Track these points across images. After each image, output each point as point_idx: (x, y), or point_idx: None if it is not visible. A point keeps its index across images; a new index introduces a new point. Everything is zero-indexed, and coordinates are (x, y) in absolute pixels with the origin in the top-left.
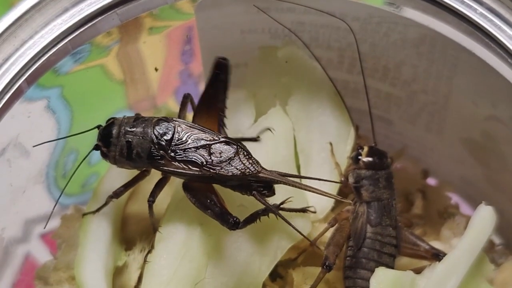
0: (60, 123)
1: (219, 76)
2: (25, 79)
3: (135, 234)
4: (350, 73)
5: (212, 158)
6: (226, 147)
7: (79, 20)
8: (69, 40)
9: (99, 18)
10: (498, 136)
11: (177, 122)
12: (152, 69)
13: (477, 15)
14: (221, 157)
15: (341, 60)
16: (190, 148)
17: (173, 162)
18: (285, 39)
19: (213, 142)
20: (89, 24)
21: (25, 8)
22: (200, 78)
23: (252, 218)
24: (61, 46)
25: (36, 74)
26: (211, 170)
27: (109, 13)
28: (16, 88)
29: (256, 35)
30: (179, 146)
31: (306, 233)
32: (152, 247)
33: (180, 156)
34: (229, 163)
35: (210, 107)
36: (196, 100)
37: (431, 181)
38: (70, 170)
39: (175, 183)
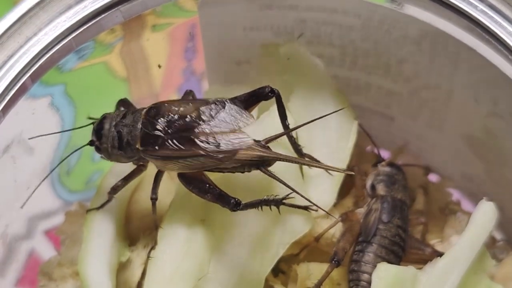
0: (64, 120)
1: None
2: (29, 76)
3: (138, 230)
4: (351, 70)
5: (203, 118)
6: (213, 105)
7: (82, 17)
8: (73, 37)
9: (103, 16)
10: (499, 133)
11: (166, 105)
12: (155, 66)
13: (477, 12)
14: (211, 115)
15: (342, 57)
16: (179, 121)
17: (166, 143)
18: (287, 37)
19: (202, 105)
20: (93, 22)
21: (29, 5)
22: (203, 75)
23: (254, 203)
24: (65, 43)
25: (40, 71)
26: (205, 130)
27: (112, 10)
28: (20, 85)
29: (258, 33)
30: (171, 125)
31: (308, 229)
32: (155, 243)
33: (172, 135)
34: (220, 118)
35: None
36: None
37: (432, 177)
38: (74, 167)
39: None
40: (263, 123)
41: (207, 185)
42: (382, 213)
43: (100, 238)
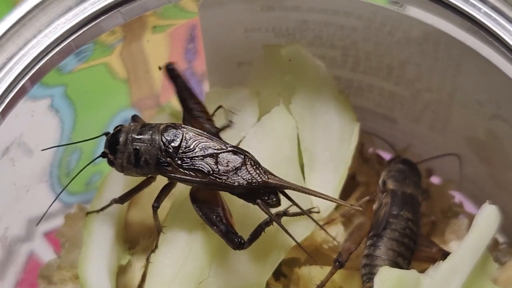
0: (63, 122)
1: (176, 83)
2: (29, 78)
3: (138, 233)
4: (353, 71)
5: (219, 167)
6: (233, 156)
7: (82, 19)
8: (72, 39)
9: (103, 17)
10: (502, 135)
11: (185, 129)
12: (156, 68)
13: (481, 14)
14: (227, 166)
15: (344, 58)
16: (197, 156)
17: (180, 169)
18: (289, 38)
19: (221, 151)
20: (93, 23)
21: (28, 7)
22: (203, 77)
23: (256, 233)
24: (64, 45)
25: (40, 73)
26: (217, 180)
27: (112, 12)
28: (20, 87)
29: (259, 34)
30: (186, 153)
31: (310, 232)
32: (156, 246)
33: (187, 164)
34: (235, 172)
35: (191, 116)
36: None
37: (434, 179)
38: (73, 169)
39: (179, 184)
40: (264, 125)
41: (215, 216)
42: (392, 206)
43: (100, 241)
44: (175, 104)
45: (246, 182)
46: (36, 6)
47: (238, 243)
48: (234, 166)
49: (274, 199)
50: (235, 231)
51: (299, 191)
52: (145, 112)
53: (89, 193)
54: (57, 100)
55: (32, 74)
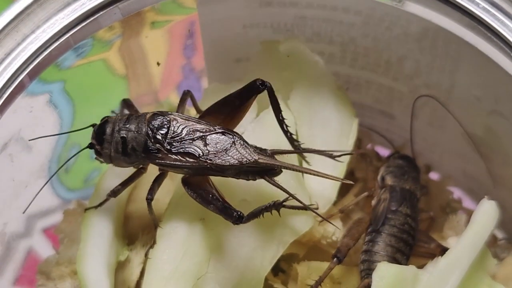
0: (62, 118)
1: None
2: (27, 73)
3: (137, 229)
4: (352, 67)
5: (208, 148)
6: (222, 137)
7: (81, 14)
8: (71, 35)
9: (101, 13)
10: (501, 131)
11: (172, 116)
12: (154, 64)
13: (479, 9)
14: (217, 147)
15: (343, 54)
16: (186, 140)
17: (170, 155)
18: (287, 34)
19: (209, 132)
20: (91, 19)
21: (27, 2)
22: (202, 73)
23: (256, 213)
24: (63, 41)
25: (38, 68)
26: (208, 161)
27: (111, 7)
28: (18, 83)
29: (258, 30)
30: (174, 138)
31: (309, 228)
32: (154, 242)
33: (176, 149)
34: (225, 153)
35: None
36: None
37: (433, 175)
38: (72, 165)
39: (177, 178)
40: (263, 121)
41: (211, 196)
42: (390, 201)
43: (98, 237)
44: (173, 99)
45: (237, 162)
46: (35, 1)
47: (237, 217)
48: (224, 146)
49: (276, 170)
50: (233, 206)
51: (289, 168)
52: (143, 108)
53: (88, 190)
54: (55, 96)
55: (30, 70)
